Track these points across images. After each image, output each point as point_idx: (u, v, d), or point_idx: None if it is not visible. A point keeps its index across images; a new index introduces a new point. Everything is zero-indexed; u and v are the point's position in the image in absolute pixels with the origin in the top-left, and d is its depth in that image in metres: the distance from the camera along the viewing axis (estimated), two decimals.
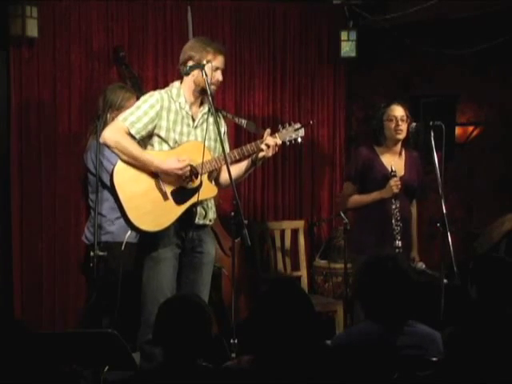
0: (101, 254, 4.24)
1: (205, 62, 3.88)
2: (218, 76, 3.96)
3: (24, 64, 5.02)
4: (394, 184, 4.39)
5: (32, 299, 5.06)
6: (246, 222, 3.73)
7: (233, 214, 4.30)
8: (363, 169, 4.54)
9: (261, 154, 3.95)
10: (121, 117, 3.89)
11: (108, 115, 4.43)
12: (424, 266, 4.45)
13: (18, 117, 5.02)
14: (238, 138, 5.51)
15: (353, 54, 5.78)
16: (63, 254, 5.13)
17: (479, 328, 2.32)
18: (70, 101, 5.12)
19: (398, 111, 4.47)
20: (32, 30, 4.91)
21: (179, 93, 3.96)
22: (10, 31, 4.91)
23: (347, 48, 5.77)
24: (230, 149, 4.12)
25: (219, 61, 3.96)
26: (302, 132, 4.03)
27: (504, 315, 2.48)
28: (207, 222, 4.04)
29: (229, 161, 3.84)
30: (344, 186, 4.73)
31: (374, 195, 4.47)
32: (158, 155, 3.90)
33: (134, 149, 3.82)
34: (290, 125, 4.03)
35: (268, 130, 4.00)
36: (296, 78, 5.83)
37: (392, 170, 4.41)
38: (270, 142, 3.92)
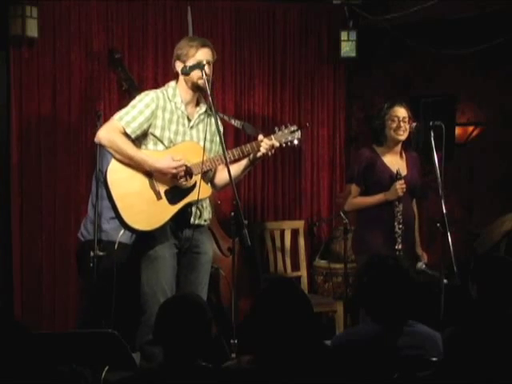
0: (101, 254, 4.24)
1: (204, 62, 3.86)
2: (205, 69, 3.88)
3: (24, 64, 5.02)
4: (400, 187, 4.35)
5: (32, 299, 5.06)
6: (245, 222, 3.72)
7: (233, 214, 4.30)
8: (366, 170, 4.49)
9: (258, 155, 3.94)
10: (116, 116, 3.87)
11: None
12: (424, 266, 4.44)
13: (18, 117, 5.03)
14: (237, 139, 5.51)
15: (353, 54, 5.78)
16: (63, 254, 5.13)
17: (479, 328, 2.32)
18: (70, 101, 5.13)
19: (401, 112, 4.45)
20: (32, 29, 4.92)
21: (175, 93, 3.95)
22: (10, 31, 4.92)
23: (347, 48, 5.77)
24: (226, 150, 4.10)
25: (203, 53, 3.91)
26: (298, 134, 4.01)
27: (504, 315, 2.48)
28: (202, 222, 4.02)
29: (227, 161, 3.82)
30: (346, 188, 4.63)
31: (379, 197, 4.42)
32: (153, 154, 3.89)
33: (129, 148, 3.81)
34: (286, 127, 4.01)
35: (261, 136, 3.99)
36: (296, 78, 5.83)
37: (397, 173, 4.37)
38: (267, 143, 3.91)
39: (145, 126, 3.86)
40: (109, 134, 3.82)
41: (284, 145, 4.01)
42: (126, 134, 3.82)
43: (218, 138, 3.98)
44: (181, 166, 3.82)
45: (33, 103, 5.05)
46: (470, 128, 6.12)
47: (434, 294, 3.88)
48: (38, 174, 5.08)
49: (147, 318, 3.86)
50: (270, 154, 3.95)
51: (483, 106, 6.06)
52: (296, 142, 4.02)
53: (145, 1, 5.32)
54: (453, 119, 6.01)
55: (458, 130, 6.09)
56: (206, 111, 4.00)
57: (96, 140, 3.88)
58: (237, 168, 4.00)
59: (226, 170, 3.78)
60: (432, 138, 4.12)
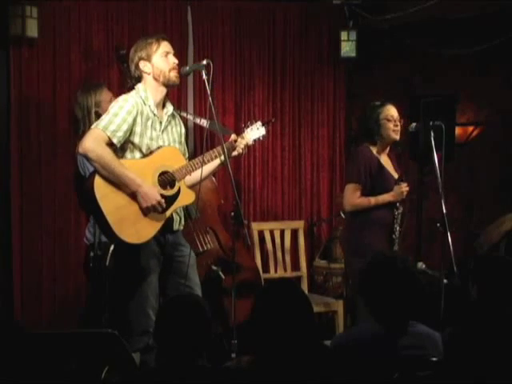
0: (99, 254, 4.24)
1: (205, 62, 3.82)
2: (173, 60, 3.85)
3: (24, 64, 5.02)
4: (405, 189, 4.32)
5: (32, 299, 5.07)
6: (245, 222, 3.71)
7: (233, 214, 4.30)
8: (367, 170, 4.42)
9: (234, 154, 3.95)
10: (100, 125, 3.66)
11: (92, 118, 4.39)
12: (424, 265, 4.44)
13: (18, 117, 5.03)
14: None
15: (353, 54, 5.78)
16: (63, 254, 5.13)
17: (479, 328, 2.32)
18: (70, 101, 5.12)
19: (395, 111, 4.44)
20: (32, 29, 4.92)
21: (147, 95, 3.83)
22: (10, 31, 4.92)
23: (347, 48, 5.77)
24: (189, 151, 4.08)
25: (165, 45, 3.87)
26: (263, 130, 4.05)
27: (504, 315, 2.48)
28: (181, 228, 3.99)
29: (203, 164, 3.81)
30: (349, 188, 4.43)
31: (382, 198, 4.32)
32: (136, 165, 3.76)
33: (117, 166, 3.63)
34: (251, 123, 4.05)
35: (234, 135, 4.01)
36: (296, 78, 5.83)
37: (402, 175, 4.35)
38: (242, 142, 3.95)
39: (127, 134, 3.73)
40: (96, 147, 3.62)
41: (253, 142, 4.05)
42: (111, 144, 3.68)
43: (183, 139, 3.99)
44: (160, 205, 3.71)
45: (33, 103, 5.05)
46: (470, 128, 6.13)
47: (434, 294, 3.87)
48: (38, 174, 5.08)
49: (133, 328, 3.83)
50: (244, 152, 3.98)
51: (483, 106, 6.07)
52: (261, 138, 4.08)
53: (145, 1, 5.32)
54: (453, 119, 6.00)
55: (458, 130, 6.09)
56: (172, 113, 3.94)
57: (81, 151, 3.63)
58: (207, 169, 3.94)
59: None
60: (432, 138, 4.12)
